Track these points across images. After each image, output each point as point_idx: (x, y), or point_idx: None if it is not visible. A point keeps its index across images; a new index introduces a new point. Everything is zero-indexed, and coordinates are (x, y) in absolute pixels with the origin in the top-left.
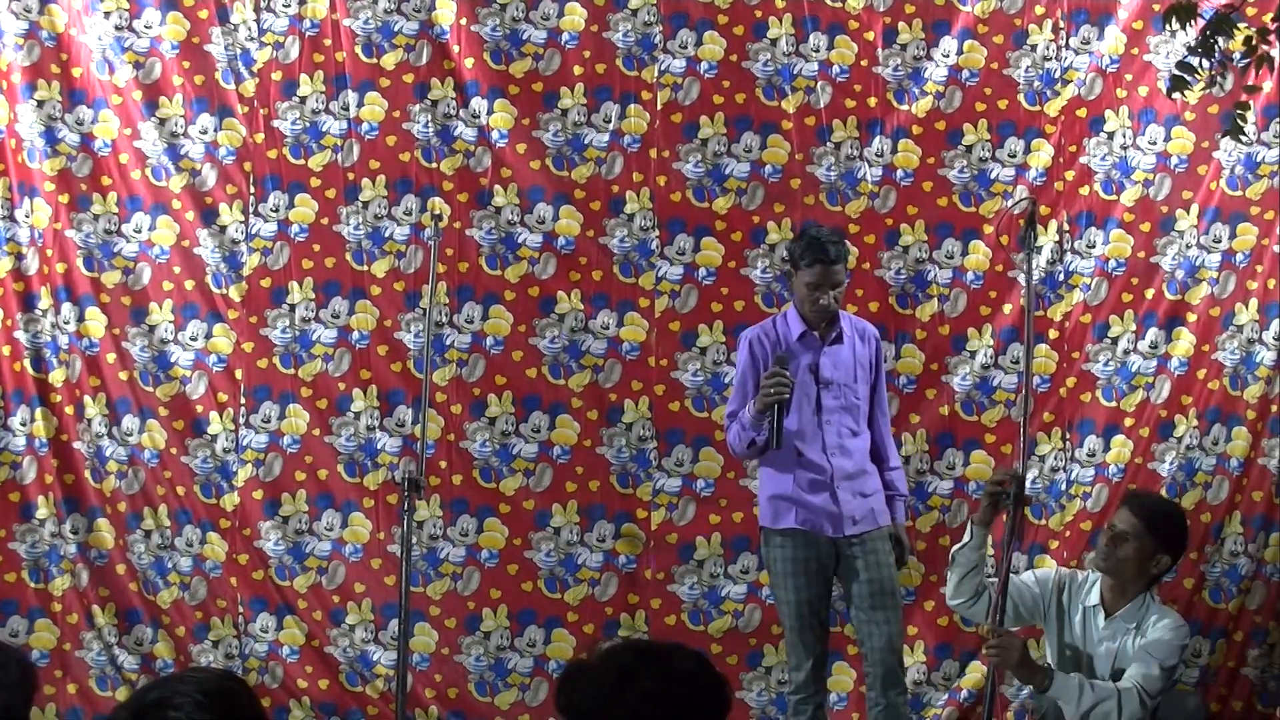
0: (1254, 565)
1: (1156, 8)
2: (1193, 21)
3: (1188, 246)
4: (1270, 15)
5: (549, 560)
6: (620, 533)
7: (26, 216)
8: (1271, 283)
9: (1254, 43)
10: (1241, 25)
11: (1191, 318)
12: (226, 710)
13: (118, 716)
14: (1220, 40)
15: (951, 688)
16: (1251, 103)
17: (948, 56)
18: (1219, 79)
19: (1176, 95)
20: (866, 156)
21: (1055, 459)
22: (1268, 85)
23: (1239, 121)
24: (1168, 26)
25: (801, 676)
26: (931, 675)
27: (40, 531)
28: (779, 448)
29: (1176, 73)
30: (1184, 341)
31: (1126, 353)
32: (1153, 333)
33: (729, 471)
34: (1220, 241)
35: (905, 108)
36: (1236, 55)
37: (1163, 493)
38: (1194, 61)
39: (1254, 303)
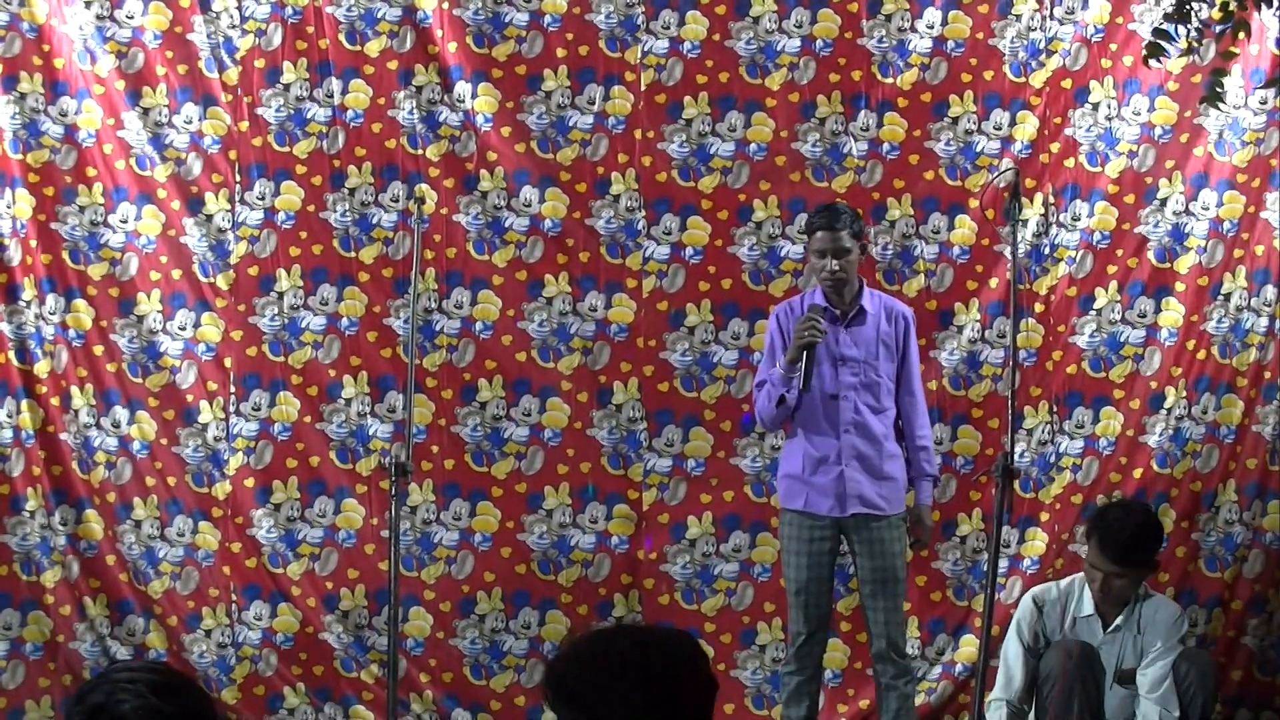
0: (1250, 533)
1: None
2: None
3: (1174, 215)
4: None
5: (542, 542)
6: (612, 514)
7: (8, 208)
8: (1260, 249)
9: (1230, 9)
10: None
11: (1180, 287)
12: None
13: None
14: (1197, 6)
15: (944, 661)
16: (1230, 70)
17: (932, 28)
18: (1196, 47)
19: (1155, 63)
20: (852, 131)
21: (1043, 432)
22: (1254, 49)
23: (1217, 89)
24: None
25: (791, 651)
26: (925, 650)
27: (30, 524)
28: (807, 391)
29: (1152, 39)
30: (1172, 311)
31: (1113, 324)
32: (1141, 303)
33: (719, 451)
34: (1208, 209)
35: (890, 81)
36: (1215, 23)
37: (1152, 465)
38: (1170, 29)
39: (1242, 270)
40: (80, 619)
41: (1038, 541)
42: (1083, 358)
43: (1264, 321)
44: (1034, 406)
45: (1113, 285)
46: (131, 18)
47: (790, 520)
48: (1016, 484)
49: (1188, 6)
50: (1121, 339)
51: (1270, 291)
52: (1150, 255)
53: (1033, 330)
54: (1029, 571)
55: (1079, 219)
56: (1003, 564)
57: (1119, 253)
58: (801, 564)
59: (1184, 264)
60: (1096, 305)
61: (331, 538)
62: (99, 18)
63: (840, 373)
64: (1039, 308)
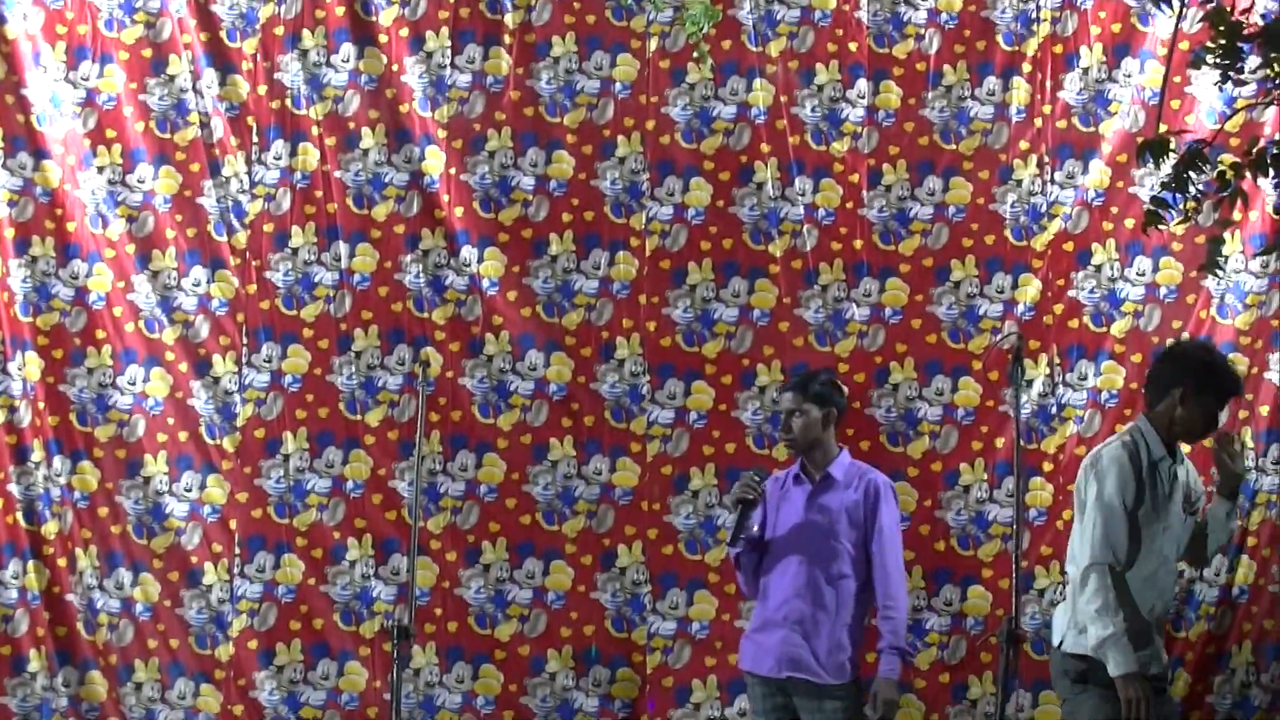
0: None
1: (1140, 140)
2: (1166, 157)
3: None
4: (1244, 147)
5: (544, 706)
6: (616, 677)
7: (19, 370)
8: (1265, 410)
9: (1228, 177)
10: (1224, 156)
11: (1186, 448)
12: None
13: None
14: (1193, 175)
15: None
16: (1227, 237)
17: (933, 195)
18: (1193, 214)
19: (1151, 229)
20: (854, 297)
21: (1056, 593)
22: (1254, 215)
23: (1216, 258)
24: (1141, 162)
25: None
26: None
27: (32, 685)
28: (734, 546)
29: (1150, 208)
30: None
31: None
32: None
33: (724, 614)
34: None
35: (892, 248)
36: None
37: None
38: (1168, 197)
39: (1249, 430)
40: None
41: (1052, 706)
42: None
43: (1273, 481)
44: (1044, 566)
45: None
46: (143, 181)
47: (747, 681)
48: (1028, 646)
49: (1185, 175)
50: None
51: (1276, 450)
52: None
53: (1041, 489)
54: None
55: (1085, 378)
56: None
57: (1127, 412)
58: None
59: None
60: None
61: (334, 700)
62: (110, 182)
63: (801, 538)
64: (1048, 467)
